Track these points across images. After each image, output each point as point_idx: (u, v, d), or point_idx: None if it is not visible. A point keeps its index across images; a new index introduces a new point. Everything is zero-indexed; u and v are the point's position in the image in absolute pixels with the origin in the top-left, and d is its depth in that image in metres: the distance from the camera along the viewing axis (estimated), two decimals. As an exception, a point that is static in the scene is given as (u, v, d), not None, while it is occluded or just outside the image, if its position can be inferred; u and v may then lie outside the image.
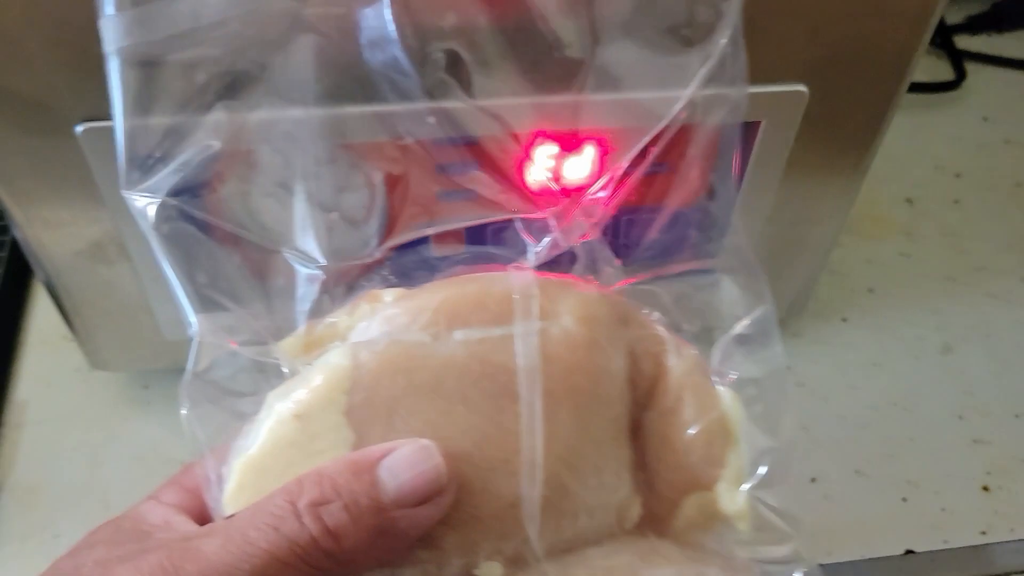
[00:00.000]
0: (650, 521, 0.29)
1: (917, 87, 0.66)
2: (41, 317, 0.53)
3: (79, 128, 0.34)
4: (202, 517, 0.28)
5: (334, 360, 0.27)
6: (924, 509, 0.45)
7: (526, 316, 0.27)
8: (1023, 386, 0.49)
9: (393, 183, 0.33)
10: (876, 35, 0.37)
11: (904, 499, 0.45)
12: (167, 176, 0.29)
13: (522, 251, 0.30)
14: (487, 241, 0.35)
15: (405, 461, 0.25)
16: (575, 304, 0.28)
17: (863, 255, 0.55)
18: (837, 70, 0.38)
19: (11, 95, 0.33)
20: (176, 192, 0.29)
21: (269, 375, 0.29)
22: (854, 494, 0.46)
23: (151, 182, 0.29)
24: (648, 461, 0.28)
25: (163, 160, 0.29)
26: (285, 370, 0.28)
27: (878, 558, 0.43)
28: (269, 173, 0.32)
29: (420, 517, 0.25)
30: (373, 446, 0.25)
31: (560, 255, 0.30)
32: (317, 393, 0.26)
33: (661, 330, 0.29)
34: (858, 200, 0.57)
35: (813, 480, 0.46)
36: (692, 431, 0.28)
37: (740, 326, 0.30)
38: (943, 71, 0.67)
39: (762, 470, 0.29)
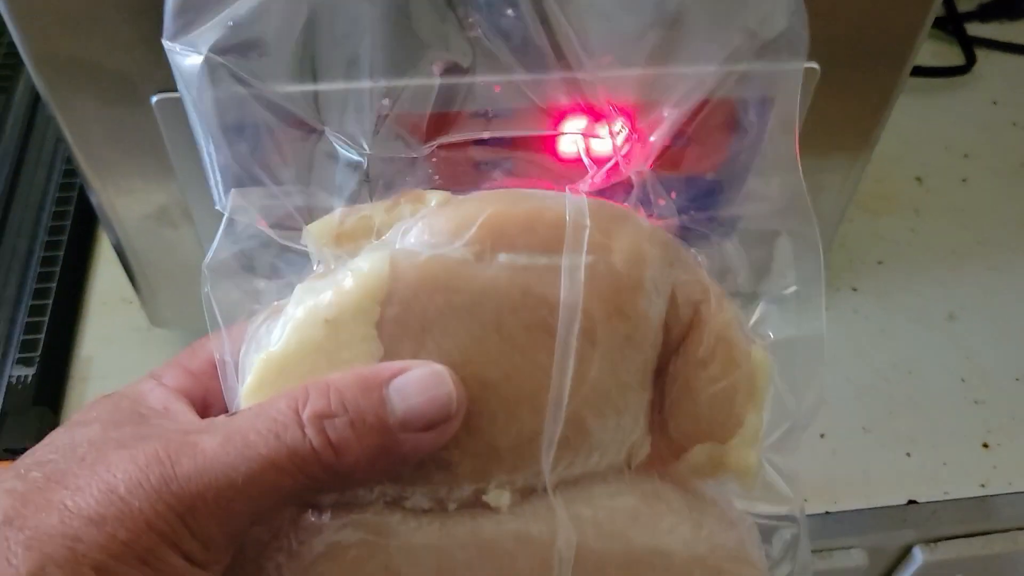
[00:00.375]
0: (656, 461, 0.29)
1: (929, 71, 0.68)
2: (102, 281, 0.56)
3: (154, 99, 0.37)
4: (203, 404, 0.27)
5: (371, 266, 0.25)
6: (926, 463, 0.49)
7: (575, 248, 0.26)
8: (1022, 352, 0.51)
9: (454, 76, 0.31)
10: (883, 16, 0.39)
11: (908, 454, 0.49)
12: (212, 29, 0.27)
13: (580, 173, 0.29)
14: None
15: (417, 384, 0.24)
16: (627, 241, 0.26)
17: (873, 230, 0.59)
18: (847, 49, 0.40)
19: (94, 68, 0.36)
20: (222, 51, 0.27)
21: (295, 261, 0.28)
22: (860, 449, 0.49)
23: (195, 33, 0.27)
24: (667, 404, 0.28)
25: (210, 10, 0.27)
26: (314, 259, 0.27)
27: (882, 507, 0.46)
28: (325, 45, 0.29)
29: (424, 442, 0.24)
30: (385, 363, 0.25)
31: (616, 183, 0.29)
32: (350, 299, 0.25)
33: (705, 277, 0.28)
34: (869, 178, 0.60)
35: (822, 436, 0.50)
36: (718, 386, 0.28)
37: (787, 288, 0.30)
38: (954, 56, 0.69)
39: (777, 435, 0.30)
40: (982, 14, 0.74)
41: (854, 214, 0.61)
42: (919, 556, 0.51)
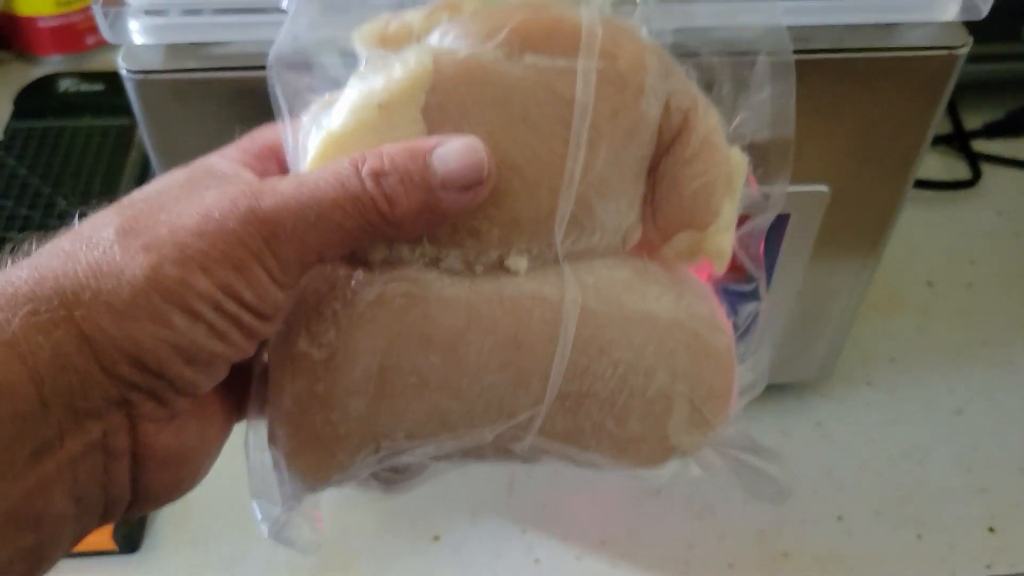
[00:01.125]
0: (646, 245, 0.34)
1: (938, 185, 0.74)
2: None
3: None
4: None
5: (417, 59, 0.29)
6: (936, 545, 0.54)
7: (589, 54, 0.29)
8: (1024, 443, 0.56)
9: None
10: (884, 145, 0.45)
11: (918, 536, 0.53)
12: None
13: None
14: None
15: (455, 152, 0.28)
16: (631, 50, 0.30)
17: (886, 329, 0.64)
18: (853, 173, 0.46)
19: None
20: None
21: (347, 58, 0.31)
22: (874, 531, 0.53)
23: None
24: (656, 197, 0.33)
25: None
26: (362, 59, 0.31)
27: (895, 586, 0.50)
28: None
29: (461, 201, 0.28)
30: (430, 136, 0.29)
31: (623, 1, 0.32)
32: (401, 87, 0.29)
33: (694, 89, 0.32)
34: (881, 283, 0.66)
35: (839, 518, 0.53)
36: (700, 181, 0.32)
37: (763, 98, 0.34)
38: (962, 171, 0.75)
39: (747, 227, 0.35)
40: (988, 132, 0.80)
41: (868, 314, 0.67)
42: (929, 632, 0.54)
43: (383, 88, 0.29)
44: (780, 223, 0.48)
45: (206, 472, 0.31)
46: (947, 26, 0.41)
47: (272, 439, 0.32)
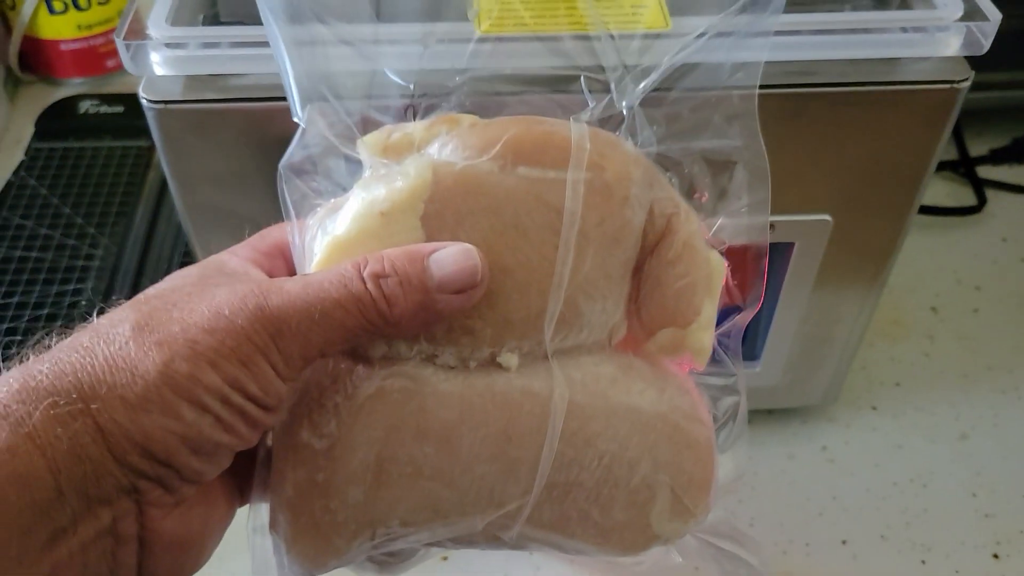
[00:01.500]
0: (631, 340, 0.36)
1: (943, 211, 0.75)
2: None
3: (277, 238, 0.43)
4: (272, 277, 0.33)
5: (417, 171, 0.31)
6: (940, 571, 0.55)
7: (578, 165, 0.32)
8: (1030, 469, 0.56)
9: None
10: (887, 176, 0.45)
11: (923, 561, 0.53)
12: None
13: (582, 106, 0.35)
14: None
15: (451, 257, 0.30)
16: (617, 162, 0.33)
17: (891, 354, 0.65)
18: (855, 202, 0.47)
19: (230, 213, 0.43)
20: None
21: (351, 165, 0.34)
22: (878, 556, 0.55)
23: None
24: (641, 296, 0.35)
25: None
26: (366, 165, 0.33)
27: (899, 611, 0.50)
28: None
29: (455, 303, 0.30)
30: (428, 243, 0.31)
31: (610, 115, 0.35)
32: (401, 196, 0.31)
33: (676, 195, 0.34)
34: (887, 308, 0.66)
35: (844, 542, 0.54)
36: (682, 282, 0.34)
37: (741, 207, 0.36)
38: (967, 197, 0.76)
39: (727, 324, 0.37)
40: (993, 158, 0.81)
41: (874, 340, 0.67)
42: (934, 658, 0.54)
43: (385, 197, 0.32)
44: (784, 251, 0.49)
45: (209, 556, 0.32)
46: (949, 59, 0.41)
47: (273, 524, 0.34)
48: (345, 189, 0.34)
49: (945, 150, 0.45)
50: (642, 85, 0.35)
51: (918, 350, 0.67)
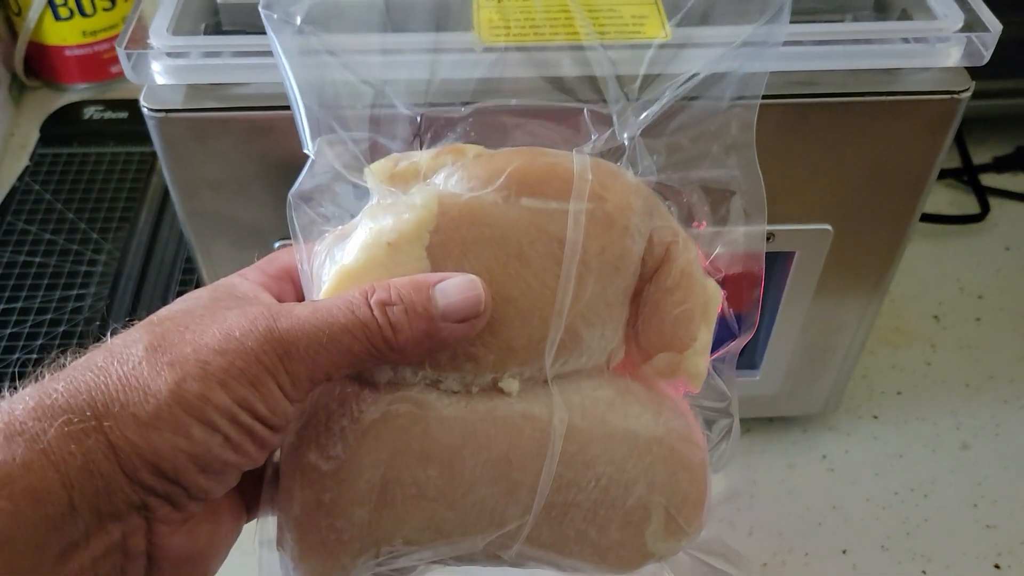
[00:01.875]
0: (629, 363, 0.37)
1: (946, 219, 0.75)
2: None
3: (276, 244, 0.44)
4: (280, 301, 0.34)
5: (423, 202, 0.33)
6: None
7: (580, 196, 0.33)
8: (1032, 480, 0.56)
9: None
10: (888, 186, 0.46)
11: (923, 572, 0.54)
12: (302, 5, 0.35)
13: (585, 137, 0.36)
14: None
15: (455, 287, 0.31)
16: (618, 193, 0.34)
17: (893, 362, 0.65)
18: (856, 212, 0.47)
19: (231, 220, 0.43)
20: (311, 21, 0.35)
21: (357, 194, 0.35)
22: (879, 566, 0.55)
23: (288, 9, 0.35)
24: (639, 321, 0.36)
25: None
26: (373, 193, 0.34)
27: (899, 621, 0.50)
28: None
29: (459, 331, 0.31)
30: (433, 273, 0.32)
31: (612, 147, 0.36)
32: (407, 227, 0.32)
33: (675, 223, 0.36)
34: (889, 316, 0.66)
35: (844, 552, 0.54)
36: (680, 309, 0.35)
37: (738, 236, 0.37)
38: (970, 205, 0.76)
39: (722, 350, 0.38)
40: (997, 166, 0.81)
41: (875, 347, 0.67)
42: (934, 669, 0.54)
43: (392, 228, 0.32)
44: (785, 260, 0.49)
45: (215, 572, 0.33)
46: (950, 69, 0.41)
47: (281, 542, 0.35)
48: (352, 215, 0.35)
49: (948, 158, 0.45)
50: (643, 116, 0.36)
51: (920, 359, 0.67)
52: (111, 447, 0.27)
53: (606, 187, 0.34)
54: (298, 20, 0.35)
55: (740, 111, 0.36)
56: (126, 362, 0.28)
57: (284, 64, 0.35)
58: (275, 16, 0.35)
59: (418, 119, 0.36)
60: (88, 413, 0.27)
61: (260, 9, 0.35)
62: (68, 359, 0.30)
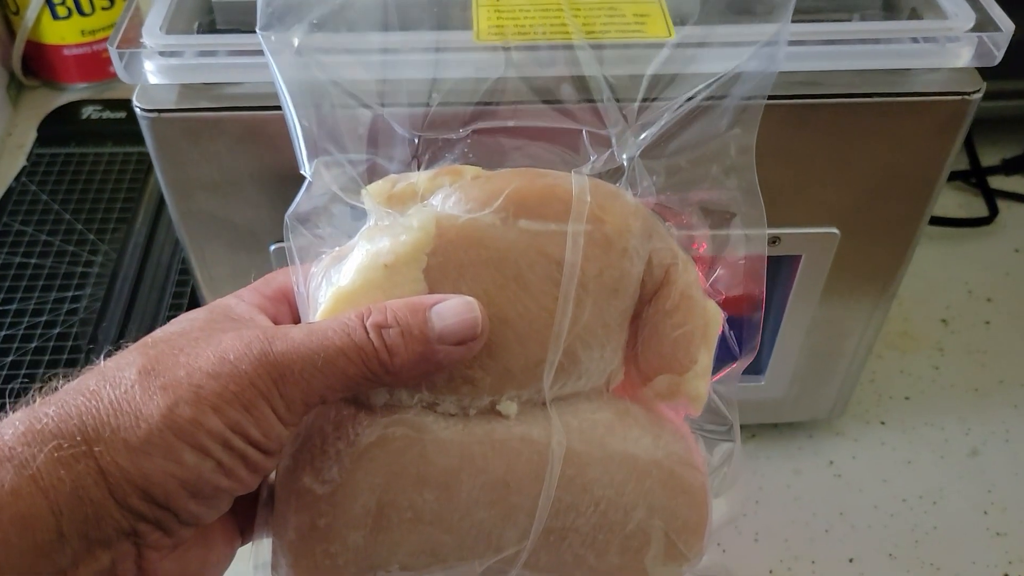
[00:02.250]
0: (628, 386, 0.37)
1: (954, 222, 0.74)
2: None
3: (272, 247, 0.44)
4: (276, 323, 0.34)
5: (420, 224, 0.32)
6: None
7: (578, 218, 0.33)
8: (1043, 487, 0.56)
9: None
10: (897, 188, 0.45)
11: None
12: (301, 25, 0.35)
13: (584, 158, 0.36)
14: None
15: (452, 309, 0.31)
16: (617, 215, 0.34)
17: (901, 367, 0.65)
18: (863, 215, 0.47)
19: (226, 222, 0.43)
20: (308, 44, 0.35)
21: (356, 214, 0.35)
22: (886, 574, 0.55)
23: (286, 28, 0.35)
24: (639, 343, 0.36)
25: (298, 14, 0.35)
26: (370, 214, 0.34)
27: (907, 632, 0.49)
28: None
29: (455, 354, 0.31)
30: (430, 295, 0.32)
31: (611, 168, 0.36)
32: (405, 249, 0.32)
33: (675, 245, 0.35)
34: (897, 320, 0.66)
35: (850, 560, 0.53)
36: (680, 331, 0.35)
37: (738, 258, 0.37)
38: (979, 207, 0.75)
39: (723, 372, 0.38)
40: (1006, 168, 0.80)
41: (882, 352, 0.66)
42: None
43: (389, 250, 0.32)
44: (790, 264, 0.48)
45: None
46: (961, 70, 0.41)
47: (275, 567, 0.34)
48: (350, 236, 0.35)
49: (956, 160, 0.44)
50: (642, 136, 0.36)
51: (928, 363, 0.66)
52: (101, 472, 0.27)
53: (605, 209, 0.33)
54: (296, 42, 0.35)
55: (739, 133, 0.36)
56: (118, 386, 0.28)
57: (281, 86, 0.35)
58: (273, 38, 0.35)
59: (416, 140, 0.36)
60: (78, 438, 0.27)
61: (258, 31, 0.35)
62: (60, 382, 0.30)
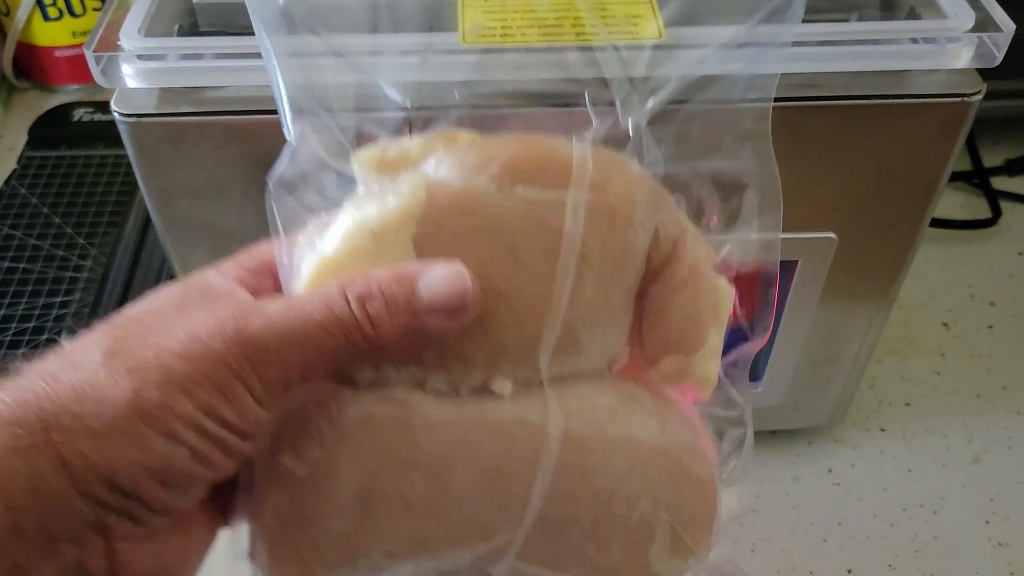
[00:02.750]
0: (633, 368, 0.34)
1: (956, 224, 0.73)
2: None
3: (257, 252, 0.42)
4: (258, 296, 0.32)
5: (410, 190, 0.31)
6: None
7: (579, 186, 0.31)
8: (1047, 496, 0.55)
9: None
10: (897, 191, 0.44)
11: None
12: None
13: (586, 121, 0.34)
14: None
15: (440, 278, 0.29)
16: (620, 184, 0.32)
17: (901, 372, 0.63)
18: (862, 219, 0.46)
19: (209, 226, 0.42)
20: (296, 12, 0.33)
21: (342, 183, 0.33)
22: None
23: None
24: (644, 322, 0.33)
25: None
26: (359, 182, 0.32)
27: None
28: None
29: (444, 325, 0.29)
30: (418, 261, 0.30)
31: (615, 135, 0.34)
32: (393, 215, 0.30)
33: (683, 218, 0.33)
34: (897, 324, 0.64)
35: (849, 571, 0.52)
36: (688, 309, 0.33)
37: (751, 232, 0.35)
38: (981, 209, 0.74)
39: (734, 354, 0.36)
40: (1008, 169, 0.79)
41: (883, 357, 0.66)
42: None
43: (377, 216, 0.30)
44: (787, 269, 0.47)
45: None
46: (961, 71, 0.40)
47: (252, 553, 0.33)
48: (338, 205, 0.33)
49: (958, 160, 0.43)
50: (650, 103, 0.34)
51: (929, 368, 0.65)
52: (62, 462, 0.25)
53: (608, 177, 0.31)
54: (281, 1, 0.33)
55: (756, 94, 0.34)
56: (82, 369, 0.26)
57: (265, 41, 0.33)
58: None
59: (408, 105, 0.34)
60: (37, 426, 0.25)
61: None
62: (22, 366, 0.28)
